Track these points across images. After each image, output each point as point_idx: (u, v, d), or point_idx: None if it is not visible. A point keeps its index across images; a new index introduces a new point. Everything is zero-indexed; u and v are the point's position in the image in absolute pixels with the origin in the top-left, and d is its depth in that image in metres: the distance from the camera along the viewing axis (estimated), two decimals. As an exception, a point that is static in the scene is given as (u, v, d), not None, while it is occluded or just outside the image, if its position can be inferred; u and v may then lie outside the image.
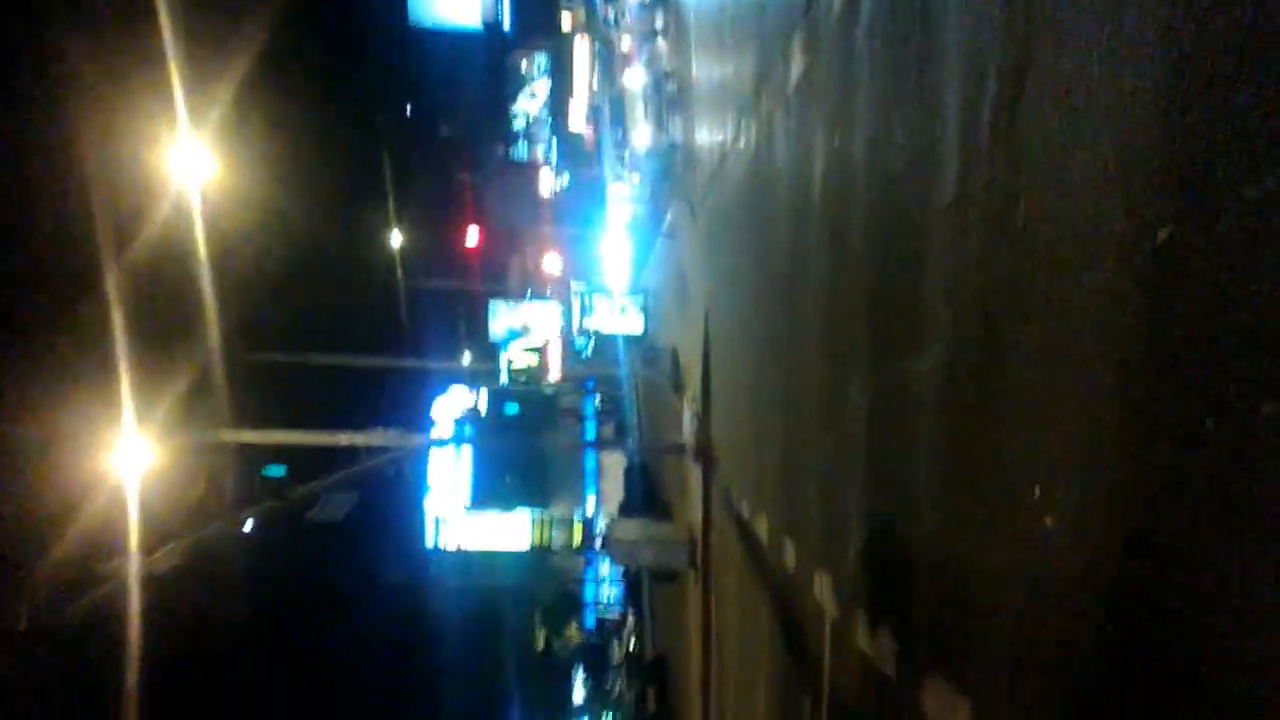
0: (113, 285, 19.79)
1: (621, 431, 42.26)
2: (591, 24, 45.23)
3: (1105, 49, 3.30)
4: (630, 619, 42.28)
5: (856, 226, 6.29)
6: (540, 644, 53.13)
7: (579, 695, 51.31)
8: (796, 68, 8.16)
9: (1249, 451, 2.56)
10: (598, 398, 48.70)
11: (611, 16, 37.22)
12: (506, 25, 70.09)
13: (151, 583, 14.26)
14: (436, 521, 36.49)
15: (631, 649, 39.73)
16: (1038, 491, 3.65)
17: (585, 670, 50.62)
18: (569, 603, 51.12)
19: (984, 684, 4.30)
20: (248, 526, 16.70)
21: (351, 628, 45.53)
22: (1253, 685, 2.53)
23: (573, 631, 51.18)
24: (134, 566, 13.86)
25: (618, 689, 43.42)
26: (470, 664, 52.00)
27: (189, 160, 17.94)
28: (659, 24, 22.08)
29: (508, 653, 54.43)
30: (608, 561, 36.23)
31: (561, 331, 39.35)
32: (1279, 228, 2.49)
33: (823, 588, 7.30)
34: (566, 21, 55.34)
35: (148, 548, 14.14)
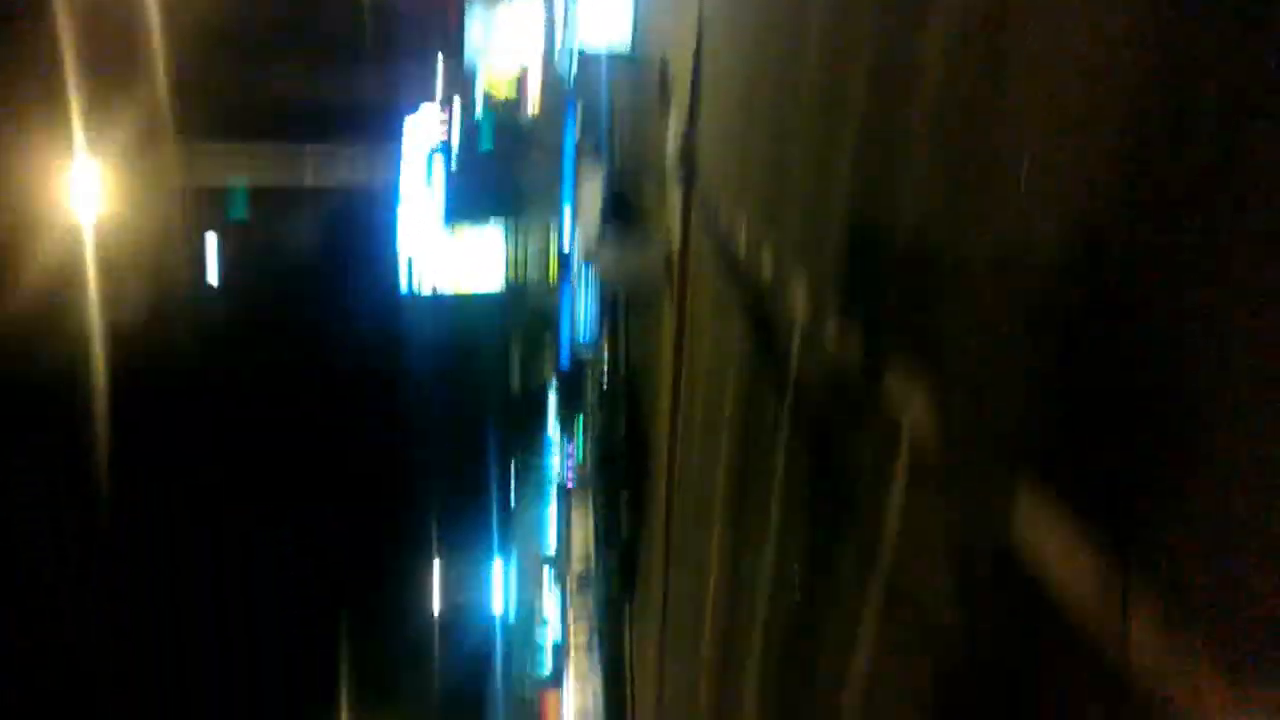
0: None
1: (600, 155, 40.87)
2: None
3: None
4: (605, 353, 41.26)
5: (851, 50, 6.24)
6: (515, 382, 52.55)
7: (553, 429, 50.96)
8: None
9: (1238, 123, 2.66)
10: (578, 129, 46.96)
11: None
12: None
13: (120, 336, 12.19)
14: (410, 262, 34.42)
15: (604, 384, 39.38)
16: (1025, 164, 3.77)
17: (559, 398, 50.04)
18: (542, 340, 49.53)
19: (941, 365, 4.54)
20: (214, 278, 14.81)
21: (326, 375, 43.19)
22: (1220, 355, 2.67)
23: (547, 369, 50.24)
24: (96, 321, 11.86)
25: (591, 420, 42.90)
26: (444, 404, 50.05)
27: None
28: None
29: (482, 393, 52.53)
30: (584, 293, 34.56)
31: (542, 54, 37.51)
32: None
33: (797, 294, 7.45)
34: None
35: (112, 298, 12.08)
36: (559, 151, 48.32)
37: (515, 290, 35.36)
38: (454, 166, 41.47)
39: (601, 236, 22.37)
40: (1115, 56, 3.27)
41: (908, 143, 5.20)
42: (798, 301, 7.42)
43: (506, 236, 31.79)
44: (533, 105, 39.00)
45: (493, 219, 34.13)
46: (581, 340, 45.91)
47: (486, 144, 45.37)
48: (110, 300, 12.50)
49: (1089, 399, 3.33)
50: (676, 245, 15.39)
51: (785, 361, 7.69)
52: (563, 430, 48.84)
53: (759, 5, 10.22)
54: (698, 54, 13.44)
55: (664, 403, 16.46)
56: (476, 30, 32.66)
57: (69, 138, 12.40)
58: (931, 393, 4.64)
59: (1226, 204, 2.70)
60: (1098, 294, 3.31)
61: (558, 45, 26.22)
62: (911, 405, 4.85)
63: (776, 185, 8.68)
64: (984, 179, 4.24)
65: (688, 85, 14.14)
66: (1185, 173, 2.87)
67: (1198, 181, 2.80)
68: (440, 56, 44.19)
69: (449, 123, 42.52)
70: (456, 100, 43.09)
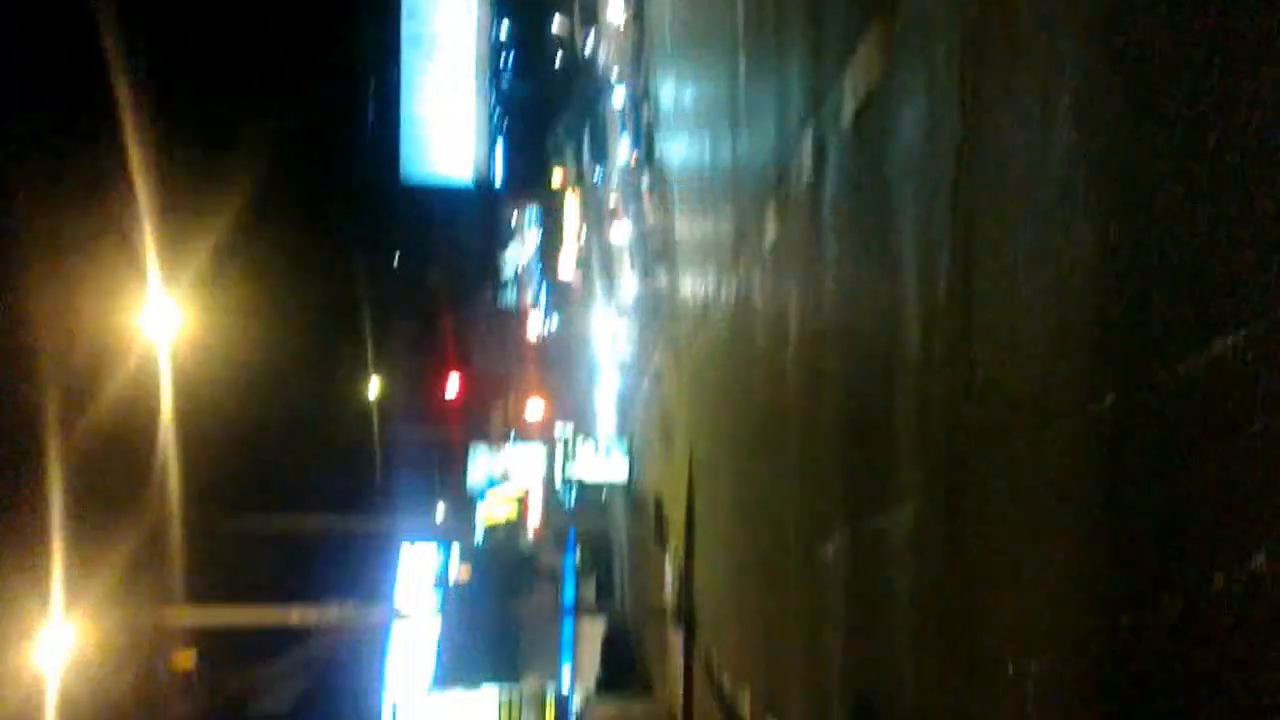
0: (53, 454, 18.65)
1: (602, 593, 40.35)
2: (581, 179, 46.64)
3: (1042, 219, 3.60)
4: None
5: (829, 380, 6.44)
6: None
7: None
8: (771, 231, 8.56)
9: (1202, 626, 2.62)
10: (578, 554, 46.97)
11: (599, 174, 38.38)
12: (498, 182, 71.92)
13: None
14: (394, 709, 32.07)
15: None
16: (1011, 669, 3.63)
17: None
18: None
19: None
20: None
21: None
22: None
23: None
24: None
25: None
26: None
27: (158, 316, 17.02)
28: (645, 183, 22.92)
29: None
30: None
31: (543, 479, 38.52)
32: (1209, 399, 2.64)
33: None
34: (557, 178, 57.10)
35: None
36: (559, 578, 47.99)
37: None
38: (446, 615, 40.06)
39: (600, 688, 21.07)
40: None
41: (893, 621, 5.00)
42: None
43: (501, 697, 29.54)
44: (534, 527, 39.33)
45: (486, 683, 32.10)
46: None
47: (486, 570, 44.58)
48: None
49: None
50: (680, 701, 14.53)
51: None
52: None
53: (738, 490, 10.30)
54: (689, 510, 13.48)
55: None
56: (479, 469, 33.80)
57: (45, 596, 12.32)
58: None
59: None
60: None
61: (558, 475, 27.08)
62: None
63: (772, 661, 8.40)
64: (978, 672, 3.94)
65: (681, 532, 14.09)
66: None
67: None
68: (440, 505, 44.51)
69: (445, 562, 42.04)
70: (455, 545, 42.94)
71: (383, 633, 33.99)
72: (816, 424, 6.76)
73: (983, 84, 4.29)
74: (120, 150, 21.42)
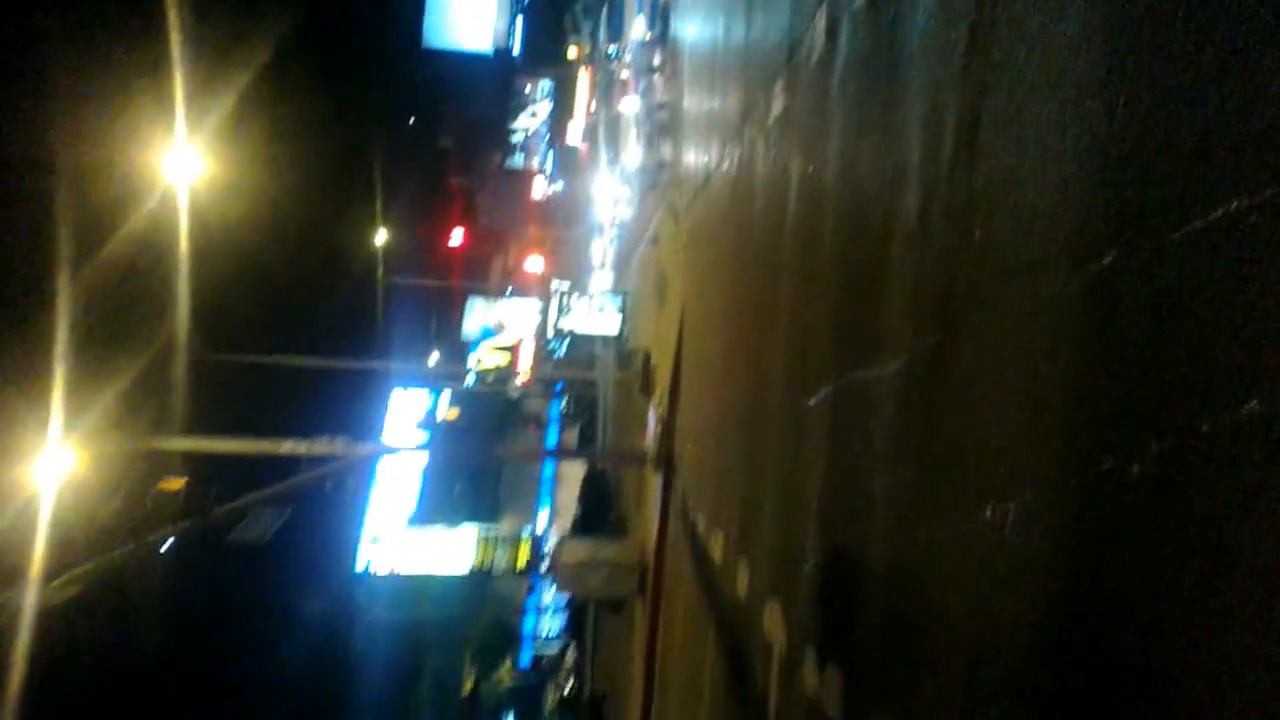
0: (63, 282, 18.34)
1: (585, 438, 40.23)
2: (594, 56, 45.28)
3: (1053, 94, 3.46)
4: (570, 655, 37.40)
5: (826, 243, 6.29)
6: (467, 686, 45.73)
7: None
8: (778, 105, 8.30)
9: (1189, 469, 2.55)
10: (565, 401, 46.72)
11: (613, 50, 37.23)
12: (516, 51, 70.00)
13: (47, 614, 11.79)
14: (373, 540, 31.12)
15: (568, 692, 35.21)
16: (989, 512, 3.55)
17: (513, 717, 43.64)
18: (504, 637, 45.21)
19: None
20: (165, 546, 13.64)
21: (265, 663, 38.89)
22: (1213, 695, 2.45)
23: (504, 673, 44.95)
24: (29, 597, 11.37)
25: None
26: (387, 710, 44.51)
27: (180, 161, 16.66)
28: (657, 61, 22.25)
29: (429, 697, 46.47)
30: (553, 588, 31.70)
31: (536, 331, 38.39)
32: (1205, 261, 2.58)
33: (773, 617, 6.82)
34: (572, 51, 55.44)
35: (52, 572, 11.72)
36: (544, 423, 48.08)
37: (481, 577, 31.51)
38: (431, 454, 39.28)
39: (576, 530, 21.02)
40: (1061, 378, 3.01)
41: (872, 466, 4.91)
42: (775, 625, 6.76)
43: (479, 534, 29.44)
44: (523, 374, 39.29)
45: (465, 523, 31.85)
46: (546, 637, 42.05)
47: (473, 413, 44.08)
48: (55, 566, 11.76)
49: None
50: (653, 545, 14.30)
51: (764, 692, 6.86)
52: None
53: (728, 343, 10.15)
54: (677, 360, 13.42)
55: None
56: (474, 319, 33.42)
57: (45, 419, 12.21)
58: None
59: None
60: (1081, 651, 2.95)
61: (551, 326, 26.84)
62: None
63: (747, 506, 8.24)
64: (954, 515, 3.89)
65: (667, 381, 14.04)
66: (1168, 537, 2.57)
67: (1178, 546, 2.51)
68: (435, 351, 43.96)
69: (435, 404, 41.72)
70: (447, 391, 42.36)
71: (368, 469, 33.36)
72: (810, 282, 6.65)
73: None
74: (156, 5, 20.59)
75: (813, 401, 6.19)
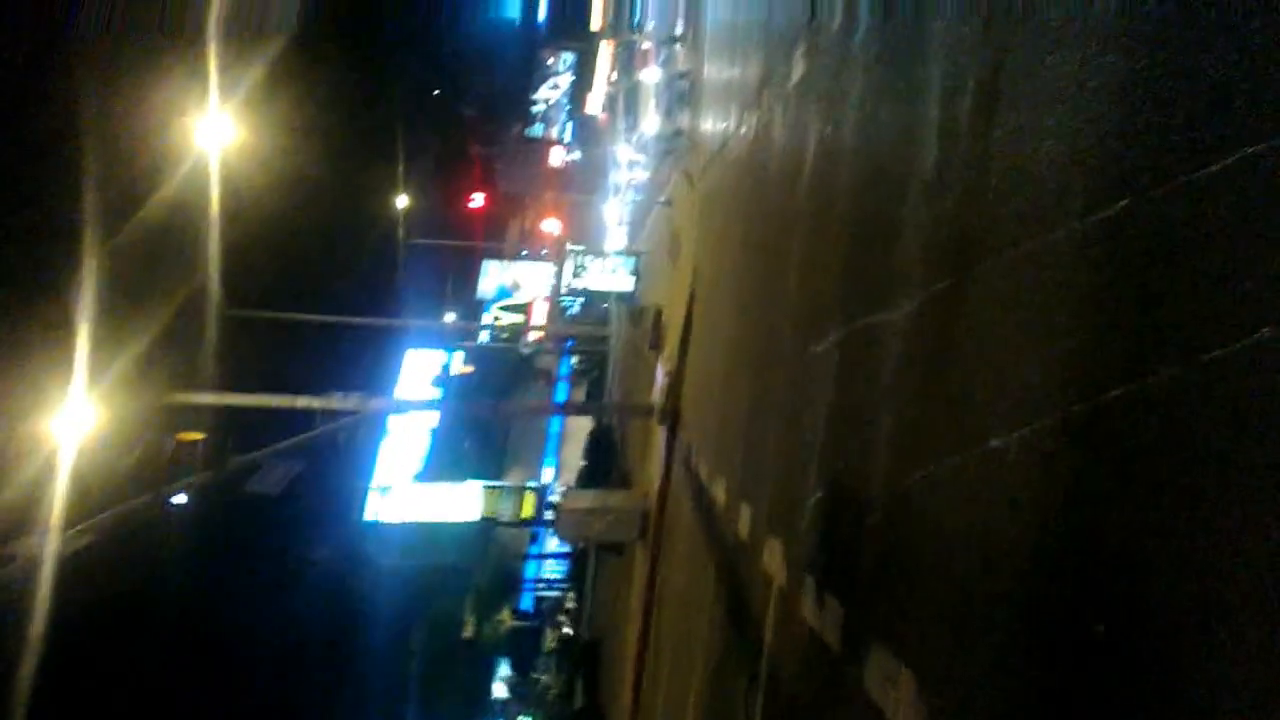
0: (90, 241, 18.19)
1: (593, 395, 39.89)
2: (617, 25, 44.74)
3: (1072, 46, 3.42)
4: (570, 600, 37.44)
5: (841, 198, 6.23)
6: (469, 629, 45.68)
7: (500, 690, 44.18)
8: (798, 70, 8.21)
9: (1192, 399, 2.54)
10: (574, 359, 46.38)
11: (635, 23, 36.81)
12: (541, 17, 69.24)
13: (62, 563, 11.59)
14: (381, 491, 30.42)
15: (566, 633, 35.29)
16: (993, 443, 3.51)
17: (512, 658, 43.60)
18: (506, 583, 45.19)
19: (926, 652, 3.98)
20: (181, 498, 13.41)
21: (275, 608, 38.29)
22: (1208, 633, 2.42)
23: (505, 616, 44.89)
24: (47, 545, 11.25)
25: (543, 681, 37.90)
26: (392, 652, 43.98)
27: (212, 126, 16.64)
28: (679, 30, 22.00)
29: (433, 638, 46.30)
30: (555, 536, 30.87)
31: (550, 291, 38.17)
32: (1219, 203, 2.56)
33: (773, 555, 6.76)
34: (596, 20, 54.74)
35: (70, 522, 11.54)
36: (554, 380, 47.97)
37: (486, 525, 30.89)
38: (442, 410, 38.72)
39: (581, 482, 20.81)
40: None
41: (876, 405, 4.85)
42: (775, 562, 6.75)
43: (485, 488, 29.19)
44: (536, 332, 39.18)
45: (472, 479, 31.61)
46: (548, 582, 41.94)
47: (484, 369, 43.55)
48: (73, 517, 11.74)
49: (1077, 700, 2.87)
50: (656, 495, 14.20)
51: (760, 629, 6.86)
52: (512, 694, 42.12)
53: (738, 298, 10.04)
54: (688, 317, 13.33)
55: (627, 671, 14.58)
56: (490, 279, 33.12)
57: (69, 373, 12.08)
58: (917, 689, 4.00)
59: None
60: (1080, 575, 2.93)
61: (565, 286, 26.65)
62: (897, 697, 4.11)
63: (752, 450, 8.18)
64: (958, 449, 3.85)
65: (677, 337, 13.96)
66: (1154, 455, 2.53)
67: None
68: (450, 311, 43.60)
69: (448, 361, 41.31)
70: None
71: (379, 426, 32.87)
72: (823, 236, 6.59)
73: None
74: None
75: (820, 347, 6.15)
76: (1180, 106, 2.81)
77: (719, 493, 9.42)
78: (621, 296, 25.01)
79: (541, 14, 69.22)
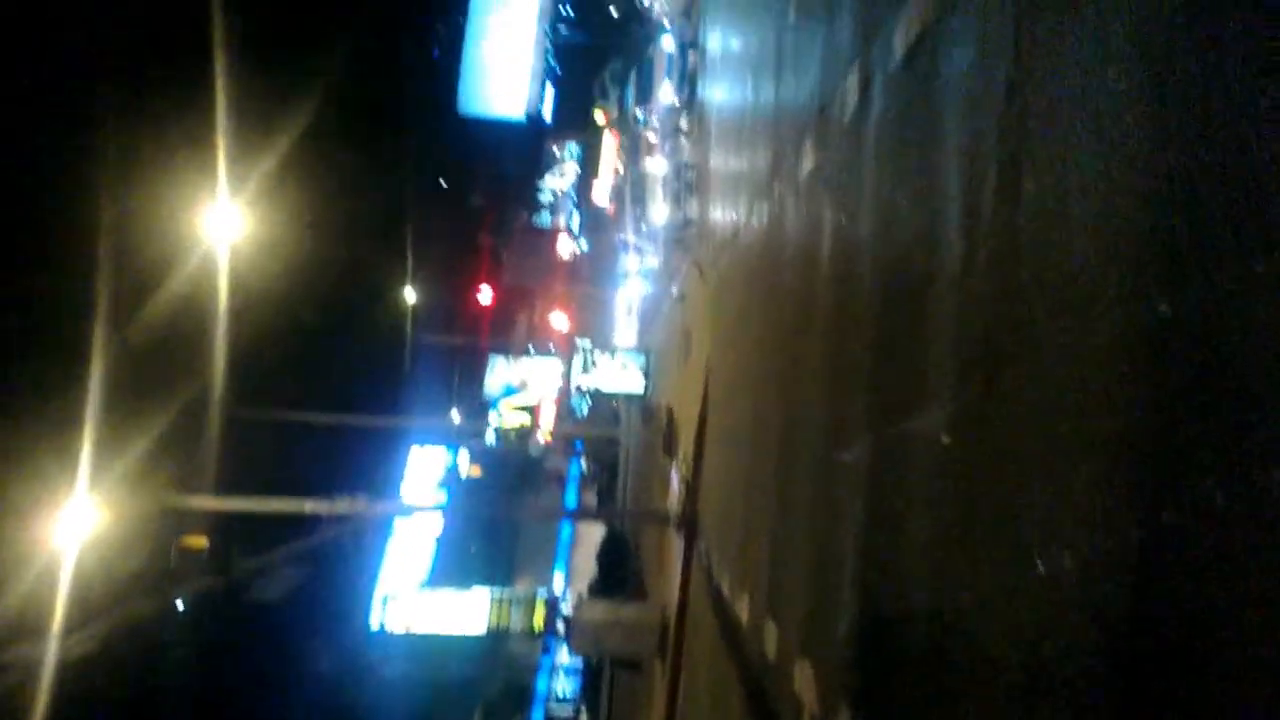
0: (96, 338, 18.45)
1: (605, 498, 39.67)
2: (622, 120, 45.97)
3: (1097, 138, 3.42)
4: (584, 717, 37.06)
5: (862, 294, 6.23)
6: None
7: None
8: (809, 161, 8.34)
9: (1256, 520, 2.44)
10: (584, 461, 46.25)
11: (641, 116, 37.78)
12: (548, 117, 71.55)
13: (62, 669, 11.68)
14: (385, 600, 29.58)
15: None
16: (1041, 565, 3.41)
17: None
18: (516, 696, 44.21)
19: None
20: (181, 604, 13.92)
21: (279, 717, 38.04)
22: None
23: None
24: (47, 653, 11.21)
25: None
26: None
27: (221, 219, 16.98)
28: (684, 124, 22.55)
29: None
30: (567, 649, 30.42)
31: (559, 389, 38.36)
32: (1262, 307, 2.53)
33: (804, 678, 6.59)
34: (600, 117, 56.53)
35: (71, 626, 11.63)
36: (563, 482, 47.74)
37: (495, 636, 30.45)
38: (448, 513, 38.72)
39: (594, 592, 20.58)
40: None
41: (910, 519, 4.77)
42: (807, 687, 6.53)
43: (493, 596, 28.66)
44: (544, 433, 39.18)
45: (479, 585, 31.22)
46: (560, 698, 41.03)
47: (492, 471, 43.53)
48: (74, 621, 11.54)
49: None
50: (674, 607, 14.02)
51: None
52: None
53: (756, 400, 10.01)
54: (702, 419, 13.26)
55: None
56: (496, 377, 33.37)
57: (72, 473, 12.10)
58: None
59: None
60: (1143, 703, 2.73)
61: (574, 384, 26.77)
62: None
63: (778, 565, 8.04)
64: (1002, 571, 3.77)
65: (692, 441, 13.85)
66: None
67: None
68: (455, 409, 43.99)
69: (455, 461, 41.35)
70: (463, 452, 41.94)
71: (384, 528, 33.81)
72: (844, 333, 6.56)
73: (1037, 25, 4.08)
74: (202, 70, 21.22)
75: (848, 456, 6.07)
76: (1216, 198, 2.78)
77: (743, 608, 9.22)
78: (631, 397, 25.02)
79: (548, 113, 71.59)
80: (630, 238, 34.68)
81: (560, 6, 72.59)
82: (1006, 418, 3.88)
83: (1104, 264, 3.29)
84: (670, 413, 17.66)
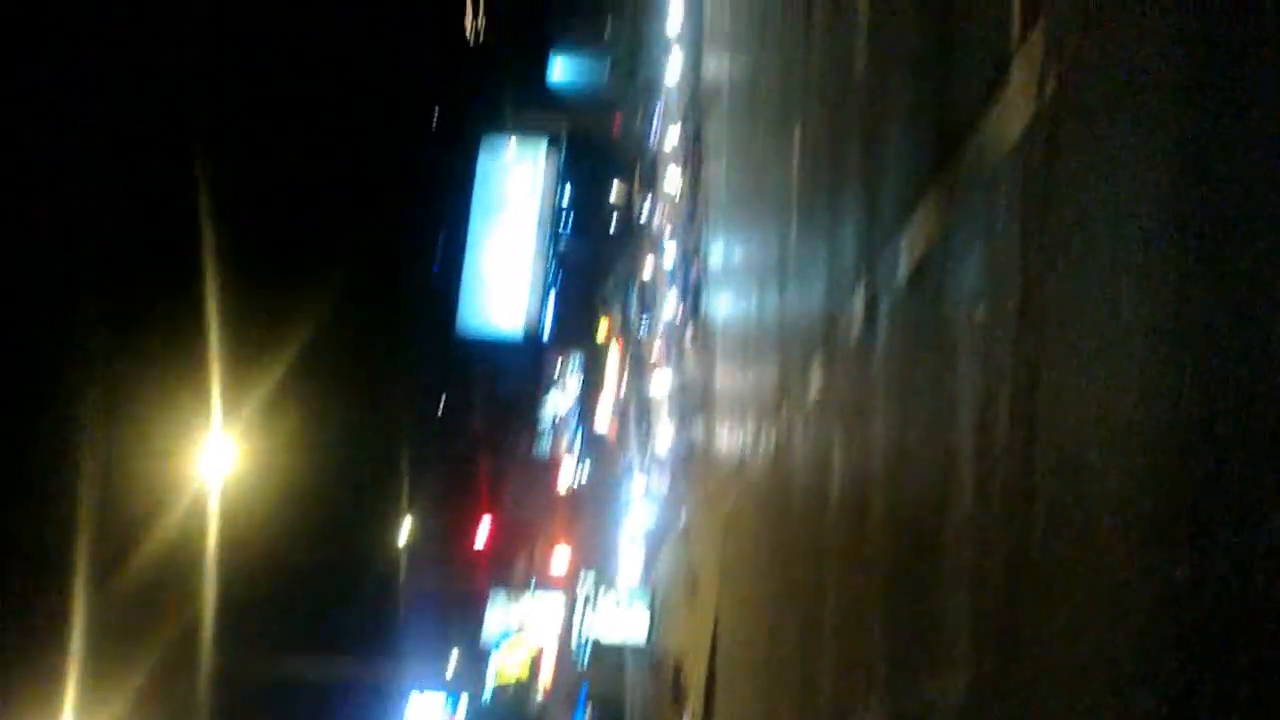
0: (83, 590, 18.40)
1: None
2: (626, 334, 47.27)
3: (1114, 368, 3.36)
4: None
5: (873, 533, 6.12)
6: None
7: None
8: (815, 385, 8.40)
9: None
10: (588, 712, 45.26)
11: (644, 329, 38.80)
12: (546, 335, 73.41)
13: None
14: None
15: None
16: None
17: None
18: None
19: None
20: None
21: None
22: None
23: None
24: None
25: None
26: None
27: (214, 456, 17.29)
28: (688, 338, 23.04)
29: None
30: None
31: (560, 633, 37.67)
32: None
33: None
34: (602, 331, 58.05)
35: None
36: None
37: None
38: None
39: None
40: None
41: None
42: None
43: None
44: (544, 687, 38.25)
45: None
46: None
47: None
48: None
49: None
50: None
51: None
52: None
53: (769, 645, 9.81)
54: (711, 668, 12.96)
55: None
56: (496, 619, 32.90)
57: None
58: None
59: None
60: None
61: (575, 633, 26.36)
62: None
63: None
64: None
65: (701, 691, 13.52)
66: None
67: None
68: (453, 652, 43.62)
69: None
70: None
71: None
72: (856, 580, 6.41)
73: (1047, 241, 4.14)
74: (194, 303, 22.16)
75: (864, 716, 5.78)
76: (1237, 449, 2.67)
77: None
78: (631, 647, 24.49)
79: (547, 327, 73.58)
80: (634, 460, 34.89)
81: (561, 219, 75.98)
82: (1027, 686, 3.69)
83: (1123, 525, 3.16)
84: (678, 662, 17.35)
